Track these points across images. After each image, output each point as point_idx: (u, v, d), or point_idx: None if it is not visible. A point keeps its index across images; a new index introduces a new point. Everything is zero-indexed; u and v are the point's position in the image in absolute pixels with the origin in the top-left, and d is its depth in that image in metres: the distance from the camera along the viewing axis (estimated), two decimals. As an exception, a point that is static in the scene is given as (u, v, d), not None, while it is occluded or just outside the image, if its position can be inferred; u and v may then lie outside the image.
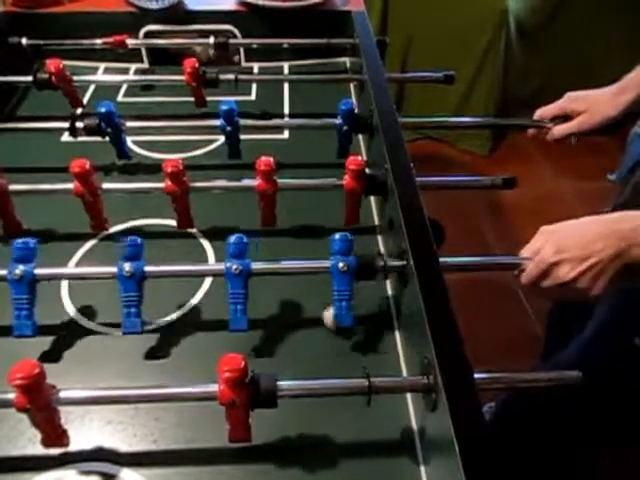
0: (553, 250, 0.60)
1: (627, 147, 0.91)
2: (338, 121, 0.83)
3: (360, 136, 0.97)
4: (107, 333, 0.65)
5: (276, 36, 1.09)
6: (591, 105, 0.81)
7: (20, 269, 0.59)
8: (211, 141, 0.94)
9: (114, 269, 0.60)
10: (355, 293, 0.67)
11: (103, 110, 0.81)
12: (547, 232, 0.63)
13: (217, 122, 0.87)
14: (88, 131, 0.83)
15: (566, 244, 0.60)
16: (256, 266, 0.60)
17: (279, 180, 0.71)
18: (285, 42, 1.09)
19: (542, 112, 0.86)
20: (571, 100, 0.83)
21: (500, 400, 1.20)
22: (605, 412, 0.95)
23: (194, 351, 0.64)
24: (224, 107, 0.80)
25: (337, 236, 0.60)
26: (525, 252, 0.64)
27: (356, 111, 0.84)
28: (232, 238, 0.60)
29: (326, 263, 0.61)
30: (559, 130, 0.84)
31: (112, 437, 0.56)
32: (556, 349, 1.00)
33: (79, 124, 0.83)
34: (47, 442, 0.51)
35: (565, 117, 0.84)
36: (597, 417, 0.97)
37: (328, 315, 0.65)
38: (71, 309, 0.68)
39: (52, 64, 0.91)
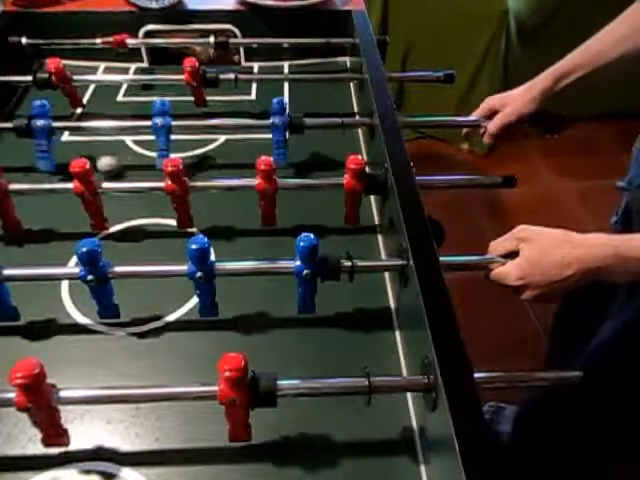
0: (517, 276, 0.62)
1: (634, 157, 0.92)
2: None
3: (360, 136, 0.97)
4: (107, 333, 0.65)
5: (276, 36, 1.09)
6: (506, 102, 0.87)
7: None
8: (211, 141, 0.94)
9: (115, 269, 0.60)
10: (354, 293, 0.68)
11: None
12: (520, 239, 0.64)
13: (215, 121, 0.87)
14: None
15: (531, 272, 0.62)
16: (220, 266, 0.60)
17: (279, 180, 0.71)
18: (285, 42, 1.09)
19: (474, 114, 0.92)
20: (489, 101, 0.89)
21: (521, 403, 1.21)
22: (612, 414, 0.95)
23: (194, 350, 0.64)
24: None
25: (301, 243, 0.59)
26: (494, 250, 0.66)
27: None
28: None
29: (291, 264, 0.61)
30: (489, 127, 0.88)
31: (113, 436, 0.56)
32: (562, 355, 1.01)
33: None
34: (47, 441, 0.51)
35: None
36: (605, 418, 0.97)
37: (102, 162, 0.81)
38: (71, 309, 0.68)
39: (52, 63, 0.91)
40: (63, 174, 0.83)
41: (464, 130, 0.94)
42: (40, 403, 0.47)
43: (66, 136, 0.94)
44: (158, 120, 0.82)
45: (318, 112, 0.90)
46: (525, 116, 0.85)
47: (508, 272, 0.63)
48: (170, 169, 0.69)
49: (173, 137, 0.86)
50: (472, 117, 0.91)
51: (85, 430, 0.56)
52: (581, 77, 0.82)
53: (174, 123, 0.88)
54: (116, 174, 0.85)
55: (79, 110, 1.00)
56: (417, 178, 0.69)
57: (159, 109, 0.83)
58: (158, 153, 0.84)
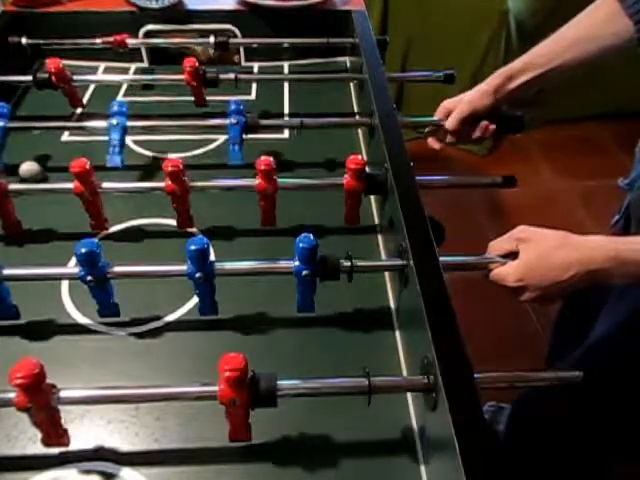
0: (517, 277, 0.62)
1: (637, 158, 0.92)
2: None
3: (360, 136, 0.97)
4: (107, 333, 0.65)
5: (276, 35, 1.09)
6: (462, 99, 0.85)
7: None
8: (211, 140, 0.94)
9: (115, 269, 0.60)
10: (354, 293, 0.67)
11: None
12: (519, 240, 0.64)
13: (215, 121, 0.87)
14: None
15: (530, 274, 0.62)
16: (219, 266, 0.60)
17: (279, 180, 0.71)
18: (285, 42, 1.09)
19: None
20: (445, 104, 0.87)
21: (514, 401, 1.21)
22: (613, 414, 0.95)
23: (194, 350, 0.64)
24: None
25: (301, 244, 0.59)
26: (493, 251, 0.65)
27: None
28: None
29: (290, 264, 0.60)
30: (447, 125, 0.86)
31: (113, 436, 0.56)
32: (564, 350, 1.00)
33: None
34: (47, 441, 0.51)
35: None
36: (603, 416, 0.97)
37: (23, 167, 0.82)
38: (71, 309, 0.68)
39: (52, 63, 0.91)
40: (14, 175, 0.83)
41: (426, 129, 0.92)
42: (40, 403, 0.47)
43: (66, 136, 0.94)
44: (114, 120, 0.83)
45: (318, 112, 0.90)
46: (478, 112, 0.83)
47: (507, 273, 0.63)
48: (170, 169, 0.69)
49: (173, 137, 0.86)
50: (436, 117, 0.90)
51: (85, 430, 0.56)
52: (535, 77, 0.80)
53: (175, 123, 0.88)
54: (40, 180, 0.84)
55: (79, 110, 1.00)
56: (417, 178, 0.69)
57: (117, 110, 0.84)
58: (110, 149, 0.83)
